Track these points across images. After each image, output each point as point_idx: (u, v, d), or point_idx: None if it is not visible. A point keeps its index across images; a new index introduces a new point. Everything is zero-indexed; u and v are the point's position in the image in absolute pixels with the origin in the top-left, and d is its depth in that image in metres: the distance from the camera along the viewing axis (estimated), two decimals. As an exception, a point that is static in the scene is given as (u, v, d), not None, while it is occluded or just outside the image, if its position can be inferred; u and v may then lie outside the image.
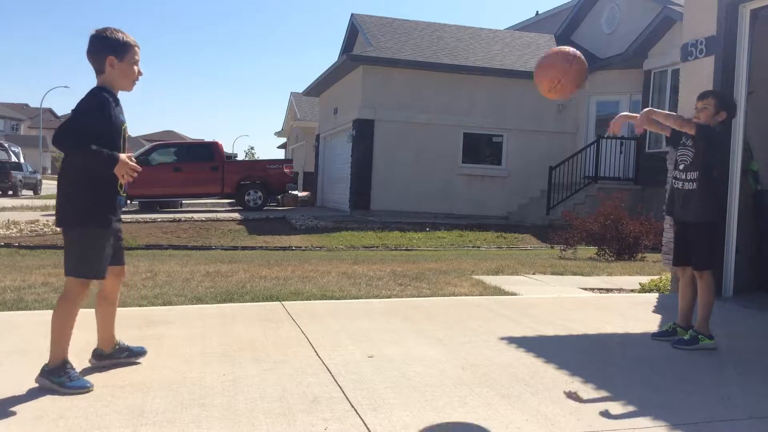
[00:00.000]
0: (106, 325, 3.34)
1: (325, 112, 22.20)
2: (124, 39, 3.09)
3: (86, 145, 2.91)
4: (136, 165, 3.04)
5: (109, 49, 3.05)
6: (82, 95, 3.05)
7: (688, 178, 4.09)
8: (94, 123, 2.97)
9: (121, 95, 3.19)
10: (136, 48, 3.13)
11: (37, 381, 2.99)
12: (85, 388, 2.94)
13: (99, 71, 3.09)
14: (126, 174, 3.00)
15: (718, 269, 5.72)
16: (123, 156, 2.99)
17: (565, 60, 3.34)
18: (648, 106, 16.07)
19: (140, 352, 3.43)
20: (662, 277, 6.62)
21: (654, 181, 13.45)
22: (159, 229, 13.10)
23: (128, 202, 3.41)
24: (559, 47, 3.48)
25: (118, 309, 3.49)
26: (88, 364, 3.31)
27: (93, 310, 3.38)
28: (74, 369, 3.02)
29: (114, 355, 3.35)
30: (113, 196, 3.10)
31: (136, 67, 3.14)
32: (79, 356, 3.46)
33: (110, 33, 3.07)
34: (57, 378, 2.95)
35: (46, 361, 3.00)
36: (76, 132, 2.94)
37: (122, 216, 3.30)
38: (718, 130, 4.14)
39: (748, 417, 2.87)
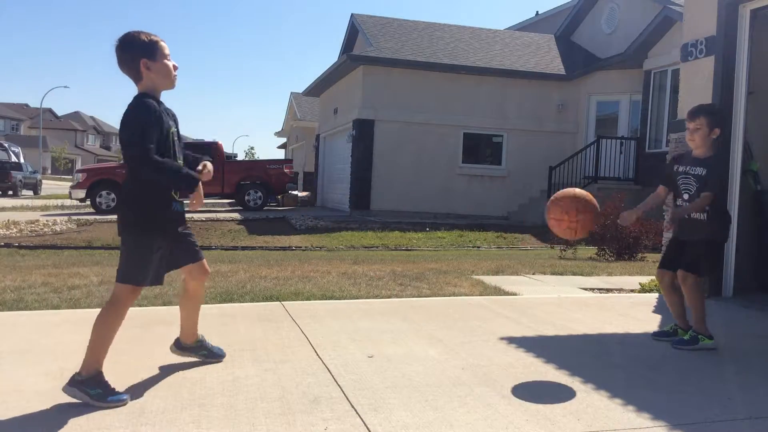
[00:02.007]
0: (188, 318, 3.41)
1: (325, 112, 22.20)
2: (150, 38, 2.99)
3: (161, 161, 2.85)
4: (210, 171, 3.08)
5: (139, 53, 2.95)
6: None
7: (678, 210, 4.08)
8: (152, 134, 2.87)
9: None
10: (163, 43, 3.03)
11: (65, 390, 2.81)
12: (122, 401, 2.80)
13: (136, 78, 2.99)
14: (198, 202, 3.07)
15: (718, 269, 5.72)
16: (200, 175, 3.01)
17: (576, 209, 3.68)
18: (648, 106, 16.13)
19: (219, 354, 3.48)
20: (662, 277, 6.62)
21: (654, 181, 13.44)
22: (159, 229, 13.08)
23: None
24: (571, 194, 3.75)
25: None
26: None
27: (99, 310, 3.37)
28: (107, 380, 2.86)
29: (194, 350, 3.42)
30: (167, 204, 3.02)
31: (170, 62, 3.04)
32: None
33: (134, 37, 2.98)
34: (92, 390, 2.79)
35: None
36: (146, 152, 2.82)
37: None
38: (718, 154, 4.12)
39: (748, 417, 2.87)
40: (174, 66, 3.06)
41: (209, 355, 3.45)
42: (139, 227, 2.97)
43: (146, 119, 2.87)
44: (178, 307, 4.88)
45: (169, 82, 3.06)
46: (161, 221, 3.00)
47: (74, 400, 2.80)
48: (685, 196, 4.08)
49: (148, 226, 2.97)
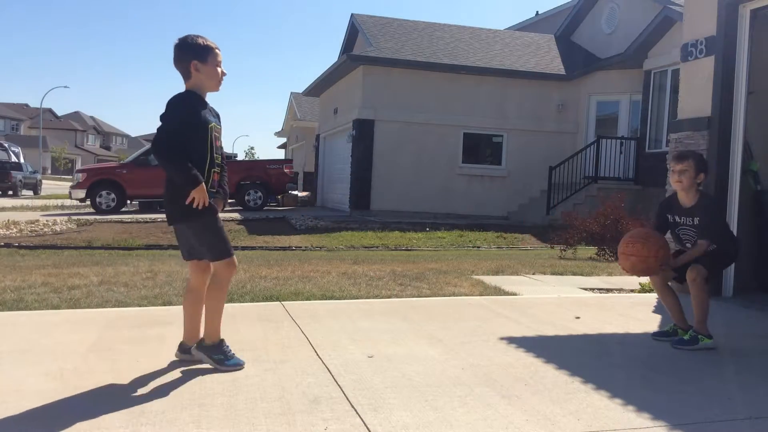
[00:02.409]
0: (192, 319, 3.43)
1: (325, 112, 22.20)
2: (205, 43, 3.27)
3: (178, 155, 3.13)
4: (203, 202, 3.18)
5: (192, 55, 3.24)
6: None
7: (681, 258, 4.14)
8: (183, 127, 3.16)
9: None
10: (217, 50, 3.30)
11: (193, 352, 3.30)
12: (239, 366, 3.26)
13: (186, 76, 3.28)
14: (197, 200, 3.14)
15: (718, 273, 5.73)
16: (202, 189, 3.15)
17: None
18: (648, 106, 16.13)
19: (238, 364, 3.40)
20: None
21: (654, 181, 13.45)
22: (159, 229, 13.09)
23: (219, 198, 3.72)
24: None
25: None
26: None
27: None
28: (229, 347, 3.31)
29: (211, 350, 3.38)
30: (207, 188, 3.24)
31: (219, 69, 3.31)
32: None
33: (191, 39, 3.26)
34: (216, 355, 3.24)
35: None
36: (169, 142, 3.13)
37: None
38: (706, 196, 4.22)
39: (748, 417, 2.87)
40: (222, 72, 3.34)
41: (226, 359, 3.41)
42: (201, 211, 3.19)
43: (183, 113, 3.19)
44: (178, 307, 4.91)
45: (214, 85, 3.34)
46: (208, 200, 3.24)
47: (75, 399, 2.80)
48: (688, 245, 4.21)
49: (206, 209, 3.21)
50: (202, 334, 3.39)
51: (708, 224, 4.07)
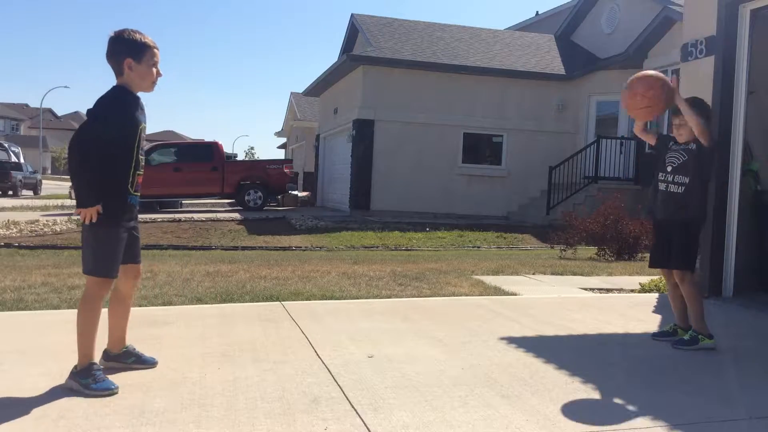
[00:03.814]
0: (116, 325, 3.30)
1: (325, 112, 22.20)
2: (142, 40, 3.07)
3: (89, 167, 2.94)
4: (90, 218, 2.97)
5: (126, 52, 3.04)
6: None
7: (675, 181, 4.06)
8: (111, 128, 2.98)
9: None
10: (155, 49, 3.11)
11: (66, 383, 2.99)
12: (109, 390, 2.92)
13: (118, 73, 3.08)
14: (83, 215, 2.96)
15: (718, 269, 5.73)
16: (96, 208, 2.95)
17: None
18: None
19: (150, 362, 3.33)
20: (662, 277, 6.62)
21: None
22: (159, 229, 13.09)
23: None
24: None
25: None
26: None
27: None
28: (101, 370, 3.01)
29: (120, 358, 3.29)
30: (124, 196, 3.08)
31: (154, 69, 3.12)
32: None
33: (128, 35, 3.05)
34: (83, 379, 2.95)
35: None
36: (86, 148, 2.95)
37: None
38: (713, 146, 4.16)
39: (748, 417, 2.87)
40: (158, 73, 3.14)
41: (138, 361, 3.30)
42: (103, 219, 3.01)
43: (114, 113, 3.01)
44: (178, 307, 4.93)
45: (147, 86, 3.14)
46: (121, 212, 3.08)
47: (75, 399, 2.80)
48: (669, 168, 4.10)
49: (111, 218, 3.03)
50: (127, 341, 3.31)
51: (711, 164, 4.04)
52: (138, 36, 3.06)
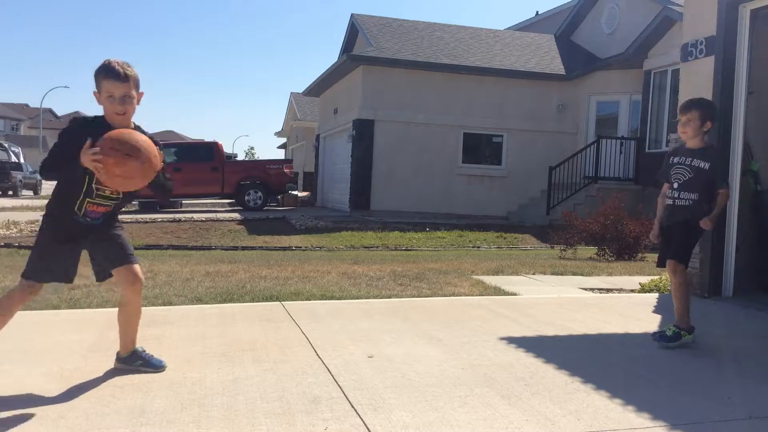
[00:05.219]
0: (125, 330, 3.27)
1: (325, 112, 22.20)
2: (97, 69, 2.99)
3: (53, 166, 2.98)
4: (95, 150, 2.80)
5: (94, 82, 3.04)
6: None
7: (682, 197, 4.09)
8: (62, 149, 2.95)
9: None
10: (106, 81, 2.96)
11: None
12: None
13: None
14: (90, 161, 2.79)
15: (718, 269, 5.73)
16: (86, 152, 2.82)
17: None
18: (648, 106, 16.14)
19: (157, 366, 3.26)
20: (662, 277, 6.62)
21: (654, 181, 13.44)
22: (159, 229, 13.10)
23: (88, 217, 3.39)
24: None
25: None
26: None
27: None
28: None
29: (128, 361, 3.26)
30: (68, 215, 3.04)
31: (108, 103, 2.99)
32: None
33: (99, 66, 3.01)
34: None
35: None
36: (46, 160, 2.99)
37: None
38: (716, 147, 4.17)
39: (748, 417, 2.87)
40: (113, 108, 2.98)
41: (144, 365, 3.25)
42: (47, 225, 3.12)
43: (59, 140, 3.00)
44: (178, 307, 4.93)
45: (110, 117, 3.01)
46: (62, 226, 3.07)
47: (75, 400, 2.80)
48: (675, 185, 4.13)
49: (53, 228, 3.10)
50: (136, 344, 3.28)
51: (722, 175, 4.06)
52: (101, 64, 3.00)
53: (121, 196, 3.13)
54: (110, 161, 2.80)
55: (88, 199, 3.02)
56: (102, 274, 3.23)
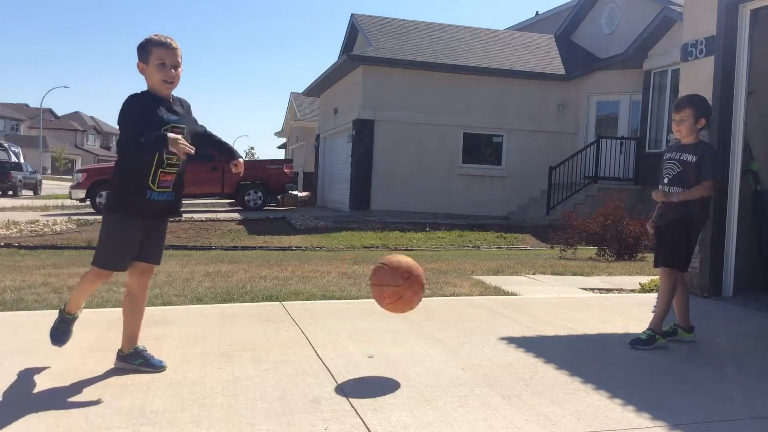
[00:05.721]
0: (127, 323, 3.30)
1: (325, 112, 22.20)
2: (145, 41, 3.14)
3: (136, 145, 3.03)
4: (187, 145, 3.02)
5: (138, 55, 3.15)
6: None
7: (671, 192, 4.08)
8: (132, 125, 3.05)
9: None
10: (157, 49, 3.11)
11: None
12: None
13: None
14: (181, 150, 2.99)
15: (718, 269, 5.73)
16: (172, 135, 2.99)
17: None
18: (648, 106, 16.14)
19: (157, 366, 3.25)
20: (662, 277, 6.62)
21: (654, 181, 13.39)
22: (159, 229, 13.09)
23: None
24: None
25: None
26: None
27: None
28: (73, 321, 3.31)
29: (129, 358, 3.26)
30: (142, 189, 3.12)
31: (158, 71, 3.11)
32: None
33: (143, 40, 3.14)
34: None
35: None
36: (126, 143, 3.08)
37: None
38: (708, 143, 4.15)
39: (748, 417, 2.87)
40: (166, 75, 3.12)
41: (145, 364, 3.24)
42: (118, 207, 3.15)
43: (130, 112, 3.07)
44: (178, 307, 4.92)
45: (158, 87, 3.16)
46: (137, 204, 3.14)
47: (75, 400, 2.80)
48: (665, 179, 4.12)
49: (125, 207, 3.14)
50: (135, 342, 3.29)
51: (708, 167, 3.99)
52: (147, 38, 3.14)
53: (182, 161, 3.24)
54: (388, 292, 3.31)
55: (160, 170, 3.15)
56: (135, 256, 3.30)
